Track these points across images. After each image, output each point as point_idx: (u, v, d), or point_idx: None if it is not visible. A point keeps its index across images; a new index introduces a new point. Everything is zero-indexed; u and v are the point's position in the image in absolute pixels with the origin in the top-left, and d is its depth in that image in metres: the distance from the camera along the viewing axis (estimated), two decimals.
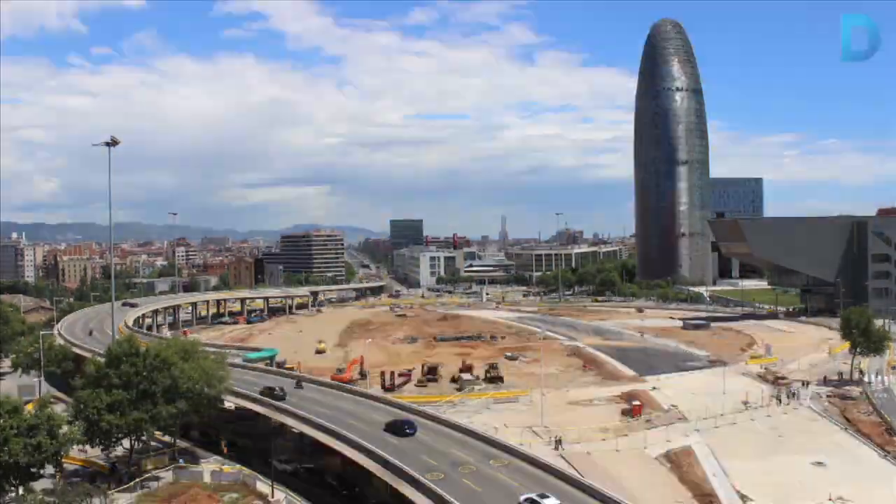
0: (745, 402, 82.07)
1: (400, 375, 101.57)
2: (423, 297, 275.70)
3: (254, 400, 71.46)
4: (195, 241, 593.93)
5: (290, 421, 66.13)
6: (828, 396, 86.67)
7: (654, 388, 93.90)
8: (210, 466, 63.95)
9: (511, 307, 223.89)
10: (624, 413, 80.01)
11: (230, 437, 74.11)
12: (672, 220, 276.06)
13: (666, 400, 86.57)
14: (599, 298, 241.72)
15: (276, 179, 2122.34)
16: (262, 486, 57.89)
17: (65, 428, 55.58)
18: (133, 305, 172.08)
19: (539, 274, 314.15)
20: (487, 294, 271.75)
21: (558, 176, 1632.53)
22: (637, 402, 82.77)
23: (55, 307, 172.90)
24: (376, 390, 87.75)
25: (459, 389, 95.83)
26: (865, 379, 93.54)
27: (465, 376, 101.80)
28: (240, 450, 71.13)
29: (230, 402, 75.20)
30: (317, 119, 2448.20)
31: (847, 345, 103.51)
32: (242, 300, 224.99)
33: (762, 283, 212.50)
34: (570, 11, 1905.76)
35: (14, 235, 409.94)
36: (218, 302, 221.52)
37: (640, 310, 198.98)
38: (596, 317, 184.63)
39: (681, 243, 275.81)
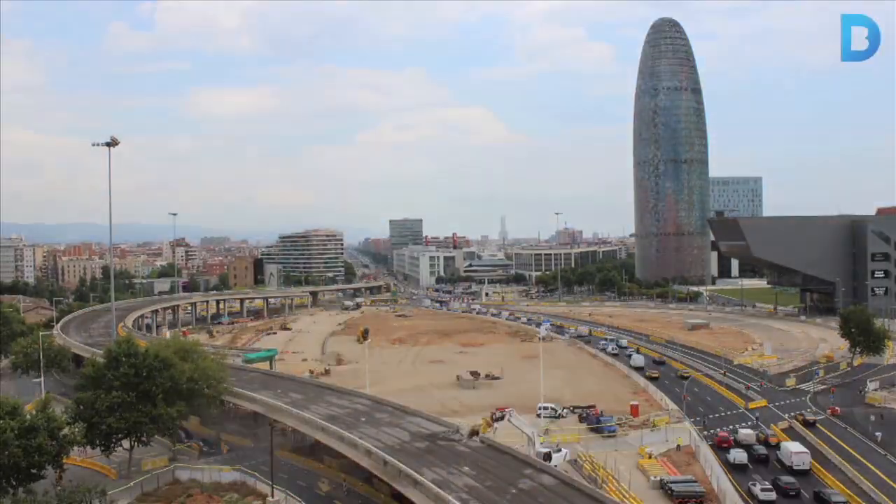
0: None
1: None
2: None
3: (253, 400, 71.59)
4: (194, 241, 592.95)
5: (290, 421, 66.18)
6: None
7: (652, 386, 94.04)
8: (210, 467, 63.97)
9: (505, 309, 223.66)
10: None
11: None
12: (672, 220, 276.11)
13: (664, 399, 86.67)
14: (599, 298, 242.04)
15: None
16: (262, 486, 57.90)
17: (65, 429, 55.57)
18: None
19: (539, 274, 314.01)
20: (487, 294, 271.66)
21: None
22: (635, 402, 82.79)
23: (55, 308, 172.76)
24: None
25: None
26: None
27: (464, 375, 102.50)
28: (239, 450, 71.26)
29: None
30: None
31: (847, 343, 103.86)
32: (242, 300, 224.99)
33: (762, 283, 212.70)
34: None
35: (14, 236, 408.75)
36: (217, 302, 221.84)
37: (643, 307, 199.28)
38: (595, 317, 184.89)
39: (680, 243, 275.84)
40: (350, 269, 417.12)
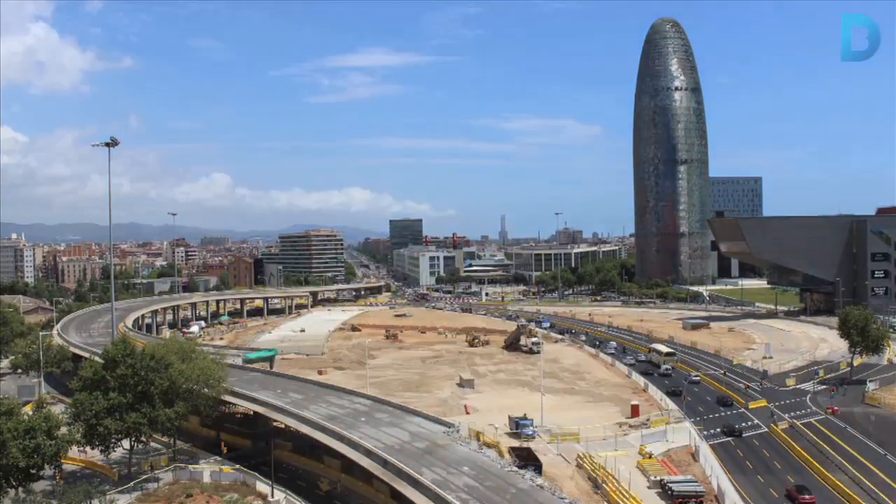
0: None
1: None
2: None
3: (253, 400, 71.57)
4: (194, 241, 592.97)
5: (290, 421, 66.17)
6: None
7: (652, 387, 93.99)
8: (210, 467, 63.96)
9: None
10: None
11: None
12: (672, 220, 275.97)
13: (664, 400, 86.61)
14: (598, 298, 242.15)
15: None
16: (262, 486, 57.90)
17: (64, 429, 55.53)
18: None
19: (538, 274, 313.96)
20: (487, 294, 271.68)
21: None
22: (635, 403, 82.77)
23: (55, 308, 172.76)
24: None
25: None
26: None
27: (465, 375, 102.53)
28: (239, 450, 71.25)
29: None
30: None
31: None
32: (242, 300, 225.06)
33: (762, 283, 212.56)
34: None
35: (14, 236, 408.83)
36: (217, 302, 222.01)
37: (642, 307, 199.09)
38: (595, 317, 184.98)
39: (680, 243, 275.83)
40: (350, 269, 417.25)
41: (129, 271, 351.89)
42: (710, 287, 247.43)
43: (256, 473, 60.41)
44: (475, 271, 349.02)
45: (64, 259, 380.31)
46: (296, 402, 69.66)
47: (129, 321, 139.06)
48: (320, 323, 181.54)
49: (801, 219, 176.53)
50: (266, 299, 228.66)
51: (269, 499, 54.96)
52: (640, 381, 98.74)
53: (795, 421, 75.83)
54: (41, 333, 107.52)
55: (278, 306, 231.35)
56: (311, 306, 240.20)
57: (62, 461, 55.49)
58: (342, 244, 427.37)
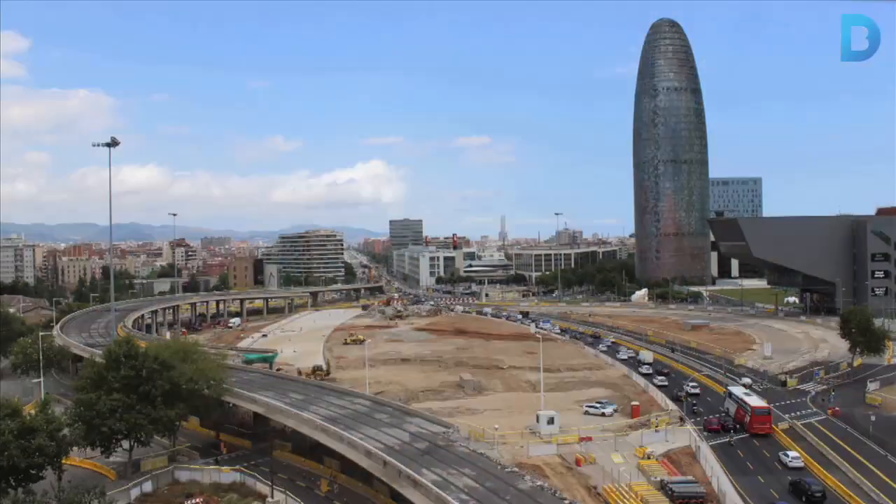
0: None
1: None
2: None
3: (253, 401, 71.55)
4: (195, 241, 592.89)
5: (290, 422, 66.17)
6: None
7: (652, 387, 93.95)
8: (209, 467, 63.92)
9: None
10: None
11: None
12: (672, 220, 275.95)
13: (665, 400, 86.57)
14: (599, 298, 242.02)
15: None
16: (262, 486, 57.88)
17: (65, 430, 55.54)
18: None
19: (538, 274, 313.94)
20: (487, 295, 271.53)
21: None
22: (636, 403, 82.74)
23: (55, 308, 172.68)
24: None
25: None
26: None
27: (465, 376, 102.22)
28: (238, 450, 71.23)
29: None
30: None
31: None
32: (242, 301, 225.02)
33: (762, 283, 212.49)
34: None
35: (14, 236, 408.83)
36: (217, 302, 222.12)
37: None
38: (596, 318, 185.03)
39: (680, 243, 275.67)
40: (350, 269, 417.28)
41: (129, 271, 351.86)
42: (710, 287, 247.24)
43: (256, 474, 60.39)
44: (475, 271, 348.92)
45: (64, 259, 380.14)
46: (296, 403, 69.69)
47: (130, 321, 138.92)
48: (320, 325, 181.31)
49: (801, 219, 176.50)
50: (266, 299, 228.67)
51: (269, 499, 54.95)
52: (640, 381, 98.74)
53: (795, 422, 75.79)
54: (41, 333, 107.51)
55: (278, 306, 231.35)
56: (311, 306, 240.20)
57: (63, 462, 55.44)
58: (342, 244, 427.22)
